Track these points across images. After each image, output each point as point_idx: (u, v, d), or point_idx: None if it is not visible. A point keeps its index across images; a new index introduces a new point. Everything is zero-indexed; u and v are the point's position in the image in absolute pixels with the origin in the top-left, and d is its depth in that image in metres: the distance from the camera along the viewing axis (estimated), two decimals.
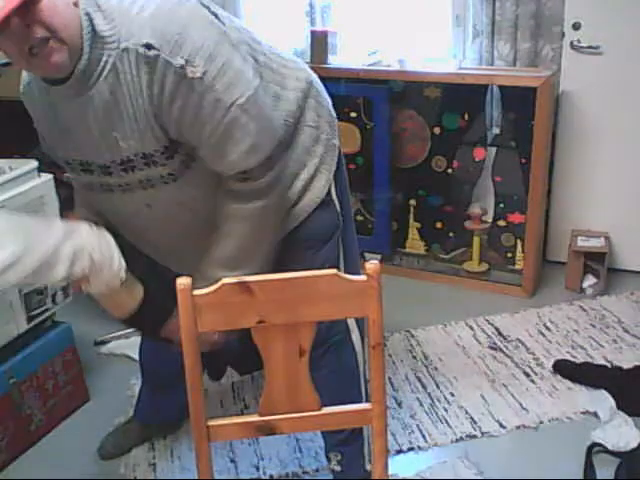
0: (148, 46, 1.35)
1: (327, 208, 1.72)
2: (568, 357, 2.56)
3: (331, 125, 1.74)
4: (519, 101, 2.84)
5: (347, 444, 1.91)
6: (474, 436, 2.22)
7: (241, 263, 1.56)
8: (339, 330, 1.80)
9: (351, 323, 1.82)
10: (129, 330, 2.56)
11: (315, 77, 1.74)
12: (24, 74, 1.57)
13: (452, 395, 2.41)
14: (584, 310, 2.89)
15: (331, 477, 1.99)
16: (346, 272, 1.54)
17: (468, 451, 2.15)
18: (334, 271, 1.30)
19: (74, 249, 1.40)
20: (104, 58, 1.38)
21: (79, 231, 1.44)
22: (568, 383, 2.43)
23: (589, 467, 2.03)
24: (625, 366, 2.47)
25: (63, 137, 1.54)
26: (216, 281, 1.28)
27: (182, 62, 1.36)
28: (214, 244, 1.57)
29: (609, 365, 2.50)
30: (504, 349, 2.65)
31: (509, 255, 3.05)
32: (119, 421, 2.31)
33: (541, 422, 2.26)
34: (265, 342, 1.31)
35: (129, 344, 2.66)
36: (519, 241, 3.01)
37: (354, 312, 1.32)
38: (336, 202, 1.76)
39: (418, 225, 3.19)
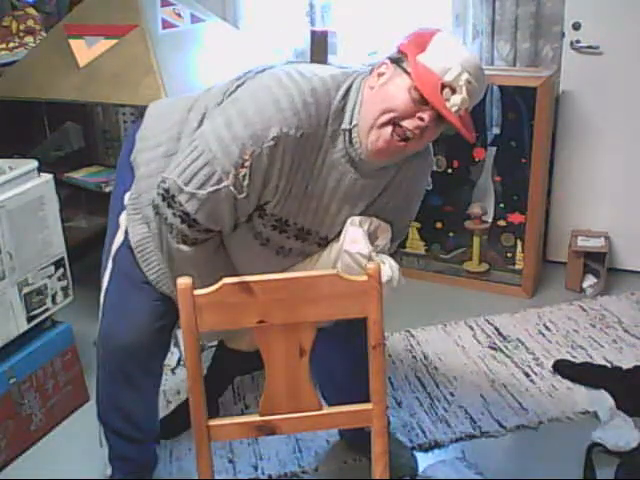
0: None
1: None
2: (568, 357, 2.56)
3: None
4: (519, 101, 2.84)
5: None
6: (474, 436, 2.22)
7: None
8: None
9: None
10: None
11: None
12: (295, 123, 1.45)
13: (452, 395, 2.41)
14: (584, 310, 2.89)
15: (331, 477, 1.98)
16: None
17: (468, 451, 2.15)
18: (334, 271, 1.31)
19: None
20: None
21: None
22: (568, 383, 2.43)
23: (589, 467, 2.03)
24: (625, 366, 2.47)
25: (304, 201, 1.57)
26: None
27: None
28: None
29: (609, 365, 2.51)
30: (504, 349, 2.65)
31: (509, 255, 3.05)
32: None
33: (541, 422, 2.26)
34: (265, 342, 1.32)
35: None
36: (519, 241, 3.01)
37: (354, 312, 1.32)
38: None
39: (418, 225, 3.19)
